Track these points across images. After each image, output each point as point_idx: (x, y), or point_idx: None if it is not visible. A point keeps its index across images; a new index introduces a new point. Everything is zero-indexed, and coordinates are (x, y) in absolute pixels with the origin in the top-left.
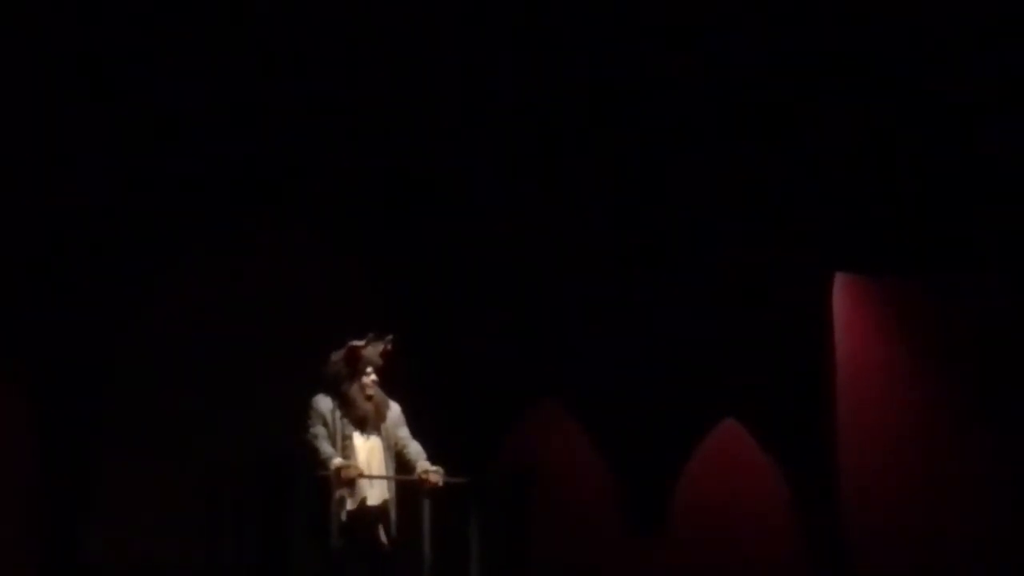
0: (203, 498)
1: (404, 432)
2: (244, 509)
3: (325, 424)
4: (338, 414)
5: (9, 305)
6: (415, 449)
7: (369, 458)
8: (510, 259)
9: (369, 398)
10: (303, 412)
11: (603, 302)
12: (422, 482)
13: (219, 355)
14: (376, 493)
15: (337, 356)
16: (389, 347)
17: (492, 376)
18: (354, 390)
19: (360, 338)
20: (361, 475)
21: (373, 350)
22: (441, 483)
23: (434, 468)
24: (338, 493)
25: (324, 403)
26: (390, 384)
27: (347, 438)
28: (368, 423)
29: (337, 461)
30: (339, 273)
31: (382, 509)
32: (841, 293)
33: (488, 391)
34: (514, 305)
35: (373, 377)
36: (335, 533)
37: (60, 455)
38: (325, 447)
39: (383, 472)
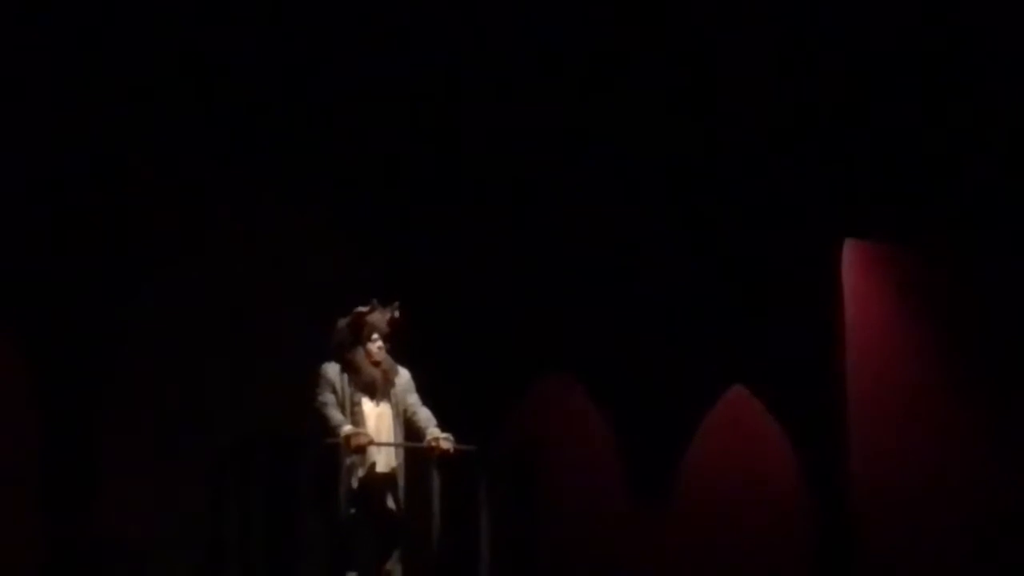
0: (209, 471)
1: (413, 398)
2: (250, 482)
3: (334, 391)
4: (346, 381)
5: (12, 277)
6: (425, 416)
7: (378, 425)
8: (517, 229)
9: (376, 364)
10: (312, 380)
11: (610, 271)
12: (432, 449)
13: (224, 327)
14: (384, 460)
15: (343, 323)
16: (396, 314)
17: (500, 346)
18: (360, 356)
19: (365, 306)
20: (371, 442)
21: (379, 316)
22: (451, 450)
23: (444, 435)
24: (348, 460)
25: (332, 370)
26: (399, 353)
27: (356, 405)
28: (376, 390)
29: (347, 428)
30: (346, 243)
31: (391, 476)
32: (851, 259)
33: (496, 361)
34: (522, 275)
35: (379, 344)
36: (345, 501)
37: (65, 429)
38: (335, 414)
39: (392, 439)
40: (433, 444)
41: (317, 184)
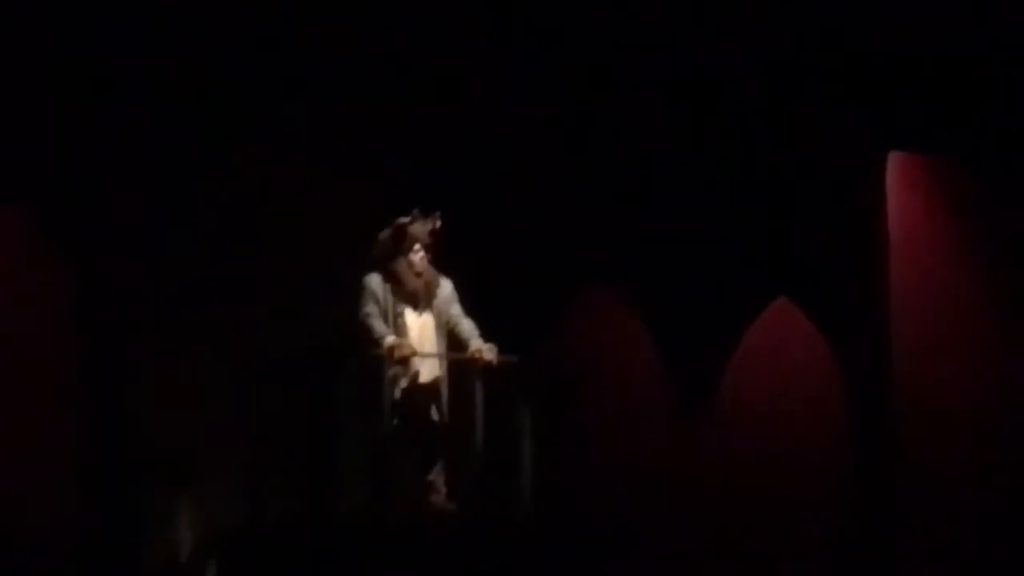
0: (252, 381)
1: (456, 309)
2: (294, 392)
3: (377, 302)
4: (389, 292)
5: (54, 183)
6: (467, 326)
7: (421, 335)
8: (562, 139)
9: (418, 275)
10: (355, 292)
11: (654, 181)
12: (475, 360)
13: (267, 236)
14: (428, 370)
15: (384, 234)
16: (438, 224)
17: (543, 257)
18: (402, 267)
19: (407, 216)
20: (415, 353)
21: (421, 227)
22: (494, 361)
23: (487, 346)
24: (391, 371)
25: (375, 281)
26: (441, 263)
27: (399, 316)
28: (419, 300)
29: (391, 339)
30: (390, 152)
31: (434, 387)
32: (895, 171)
33: (539, 272)
34: (566, 185)
35: (421, 254)
36: (388, 412)
37: (106, 335)
38: (378, 325)
39: (435, 350)
40: (476, 355)
41: (360, 91)
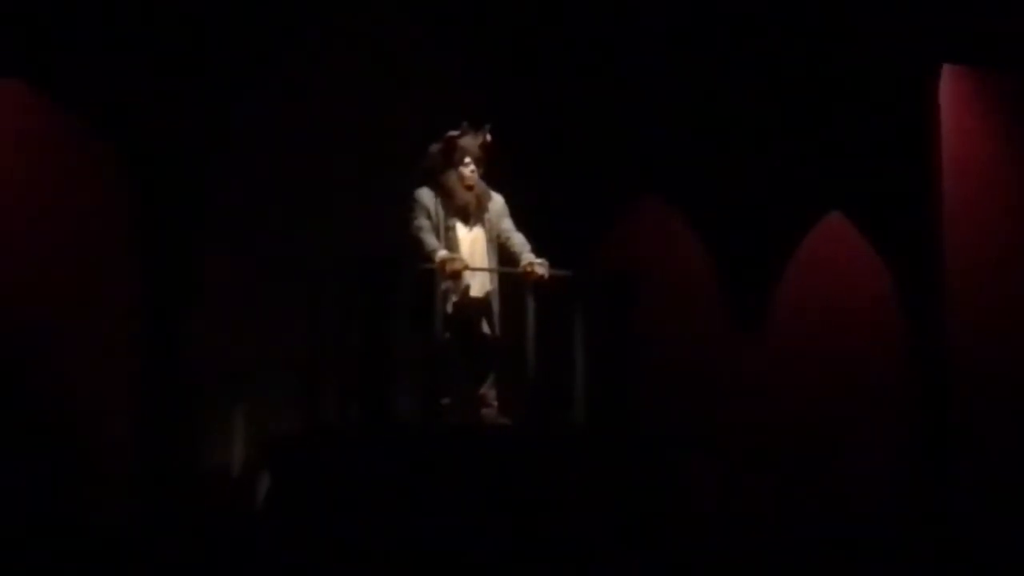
0: (306, 293)
1: (508, 224)
2: (347, 305)
3: (429, 216)
4: (440, 205)
5: (115, 94)
6: (519, 241)
7: (472, 249)
8: (612, 53)
9: (469, 188)
10: (407, 205)
11: (709, 93)
12: (527, 275)
13: (322, 149)
14: (479, 284)
15: (435, 148)
16: (488, 138)
17: (595, 170)
18: (453, 180)
19: (456, 129)
20: (466, 267)
21: (471, 140)
22: (546, 275)
23: (539, 260)
24: (443, 285)
25: (427, 195)
26: (493, 178)
27: (450, 229)
28: (470, 214)
29: (442, 253)
30: (442, 65)
31: (485, 301)
32: (949, 85)
33: (591, 185)
34: (617, 98)
35: (472, 167)
36: (439, 326)
37: (165, 249)
38: (430, 239)
39: (486, 264)
40: (528, 269)
41: (414, 7)
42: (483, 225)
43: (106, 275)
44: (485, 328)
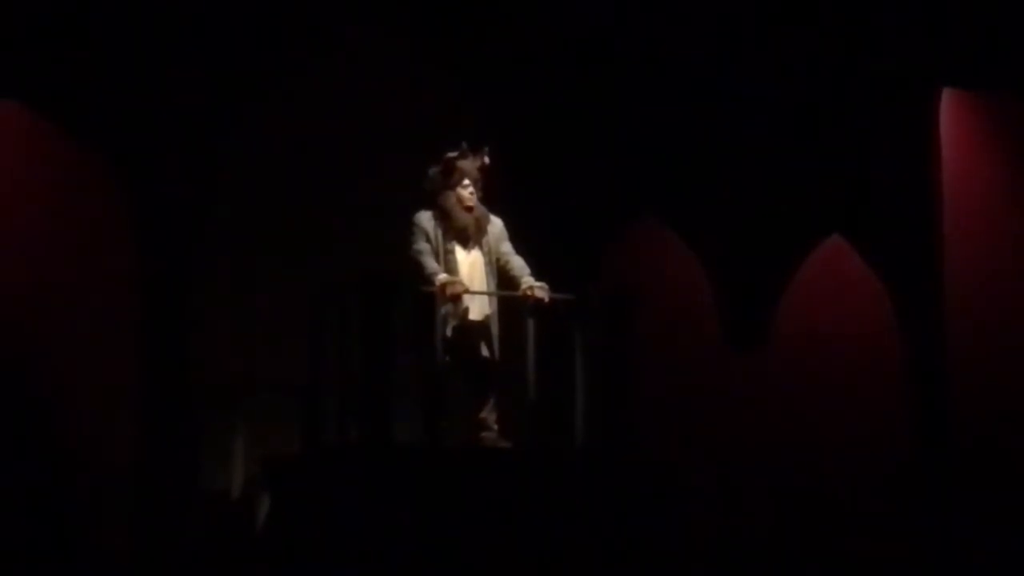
0: (307, 313)
1: (507, 247)
2: (347, 326)
3: (428, 240)
4: (439, 229)
5: (114, 114)
6: (518, 264)
7: (471, 272)
8: (611, 75)
9: (468, 210)
10: (407, 228)
11: (705, 116)
12: (526, 298)
13: (322, 172)
14: (478, 308)
15: (435, 170)
16: (487, 160)
17: (593, 192)
18: (451, 201)
19: (455, 150)
20: (466, 291)
21: (470, 162)
22: (546, 299)
23: (539, 284)
24: (443, 309)
25: (426, 218)
26: (491, 200)
27: (449, 252)
28: (468, 236)
29: (442, 277)
30: (440, 89)
31: (484, 324)
32: (949, 109)
33: (589, 207)
34: (615, 120)
35: (471, 189)
36: (439, 349)
37: (162, 267)
38: (430, 262)
39: (485, 287)
40: (528, 292)
41: (416, 25)
42: (482, 248)
43: (106, 295)
44: (485, 352)
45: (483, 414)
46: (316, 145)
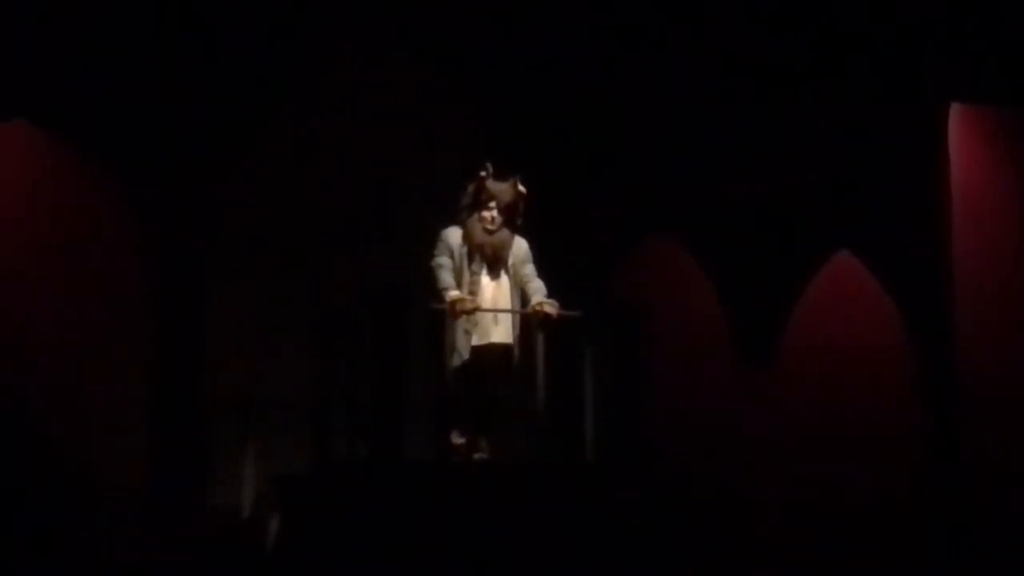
0: (317, 329)
1: (529, 269)
2: (356, 344)
3: (451, 256)
4: (465, 248)
5: (123, 125)
6: (536, 287)
7: (495, 296)
8: (621, 92)
9: (488, 232)
10: (433, 241)
11: (716, 133)
12: (536, 314)
13: (333, 187)
14: (503, 331)
15: (468, 187)
16: (519, 186)
17: (604, 210)
18: (472, 221)
19: (487, 172)
20: (476, 308)
21: (499, 185)
22: (555, 315)
23: (549, 300)
24: (464, 326)
25: (453, 235)
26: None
27: (474, 274)
28: (489, 259)
29: (453, 293)
30: (450, 108)
31: (505, 348)
32: (957, 123)
33: (600, 225)
34: (625, 137)
35: (495, 212)
36: (454, 365)
37: (172, 283)
38: (445, 277)
39: (509, 314)
40: (538, 308)
41: (431, 47)
42: (508, 272)
43: (115, 314)
44: (499, 382)
45: (479, 442)
46: (325, 163)
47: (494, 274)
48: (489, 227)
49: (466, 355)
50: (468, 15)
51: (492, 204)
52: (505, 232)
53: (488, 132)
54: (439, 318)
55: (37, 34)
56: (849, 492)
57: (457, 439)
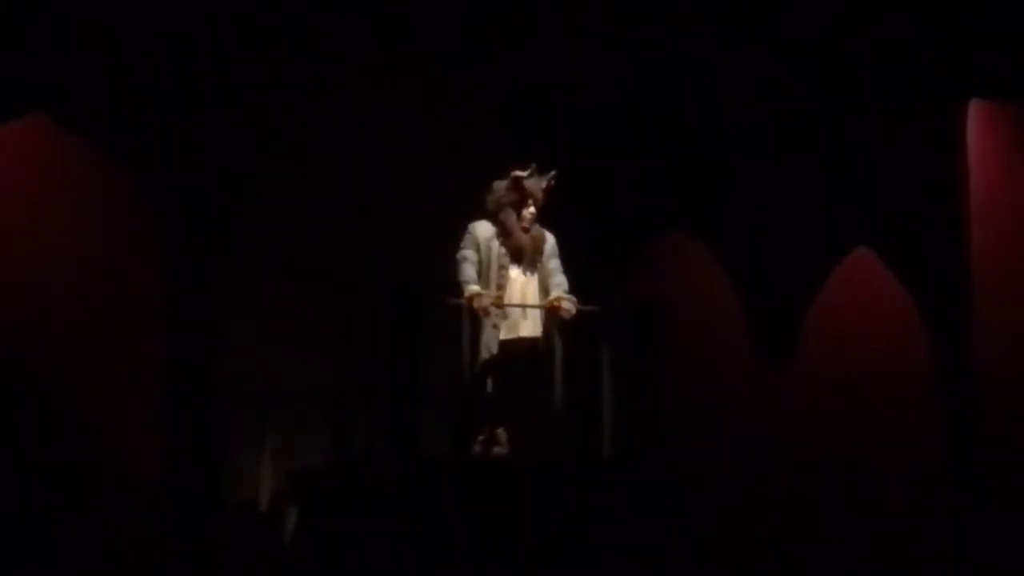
0: (336, 324)
1: (555, 264)
2: (375, 339)
3: (477, 250)
4: (496, 243)
5: (142, 127)
6: (557, 281)
7: (523, 291)
8: (639, 89)
9: (526, 231)
10: (455, 236)
11: (735, 128)
12: (553, 309)
13: (354, 183)
14: (530, 325)
15: (500, 184)
16: (552, 183)
17: (622, 205)
18: (512, 220)
19: (522, 169)
20: (495, 304)
21: (536, 183)
22: (572, 310)
23: (568, 296)
24: (492, 321)
25: (483, 229)
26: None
27: (503, 268)
28: (523, 256)
29: (472, 288)
30: (469, 106)
31: (532, 342)
32: (976, 119)
33: (618, 220)
34: (643, 133)
35: (532, 210)
36: (470, 361)
37: (190, 279)
38: (467, 270)
39: (537, 311)
40: (555, 303)
41: (453, 41)
42: (537, 270)
43: (133, 310)
44: (523, 373)
45: (498, 430)
46: (343, 160)
47: (522, 269)
48: (527, 226)
49: (494, 349)
50: (486, 15)
51: (530, 202)
52: (539, 228)
53: (507, 129)
54: (460, 312)
55: (56, 31)
56: (867, 489)
57: (484, 434)
